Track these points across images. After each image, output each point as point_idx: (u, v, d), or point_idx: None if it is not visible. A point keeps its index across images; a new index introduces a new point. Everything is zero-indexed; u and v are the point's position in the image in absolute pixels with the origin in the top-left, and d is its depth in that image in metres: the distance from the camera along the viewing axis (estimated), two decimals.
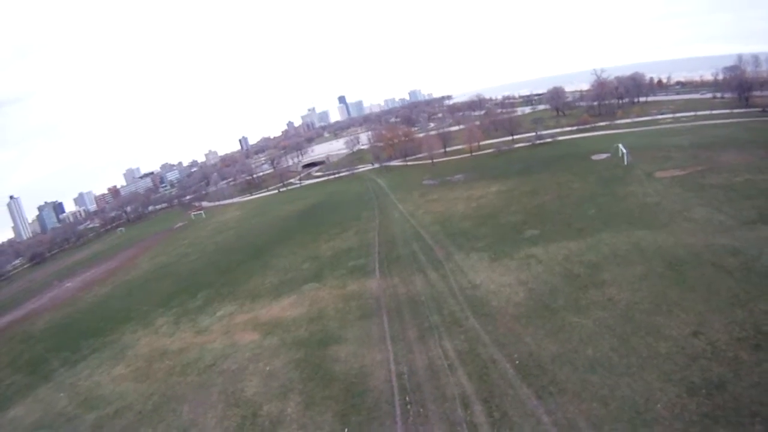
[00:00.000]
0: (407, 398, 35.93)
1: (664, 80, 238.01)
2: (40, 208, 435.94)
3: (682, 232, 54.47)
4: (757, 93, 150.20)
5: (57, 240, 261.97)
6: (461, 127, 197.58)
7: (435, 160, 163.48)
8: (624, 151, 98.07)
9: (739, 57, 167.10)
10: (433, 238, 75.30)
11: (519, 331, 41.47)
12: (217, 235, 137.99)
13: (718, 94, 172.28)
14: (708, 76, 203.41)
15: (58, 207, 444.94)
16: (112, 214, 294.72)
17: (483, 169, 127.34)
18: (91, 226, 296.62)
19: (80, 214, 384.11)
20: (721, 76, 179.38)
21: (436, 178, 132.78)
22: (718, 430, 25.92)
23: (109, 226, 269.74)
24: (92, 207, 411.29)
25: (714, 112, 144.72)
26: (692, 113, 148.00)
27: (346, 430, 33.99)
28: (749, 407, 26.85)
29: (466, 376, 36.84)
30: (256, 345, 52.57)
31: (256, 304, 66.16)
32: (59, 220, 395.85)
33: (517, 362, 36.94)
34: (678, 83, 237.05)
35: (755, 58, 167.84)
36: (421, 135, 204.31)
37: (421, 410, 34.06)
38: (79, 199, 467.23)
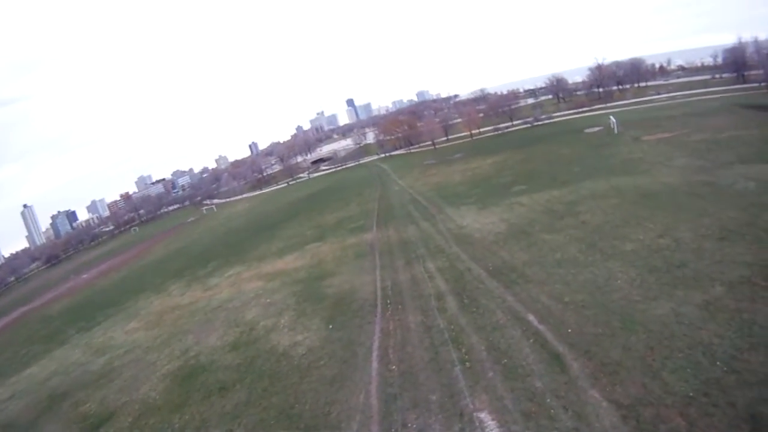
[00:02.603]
0: (388, 300, 39.59)
1: (665, 66, 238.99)
2: (53, 217, 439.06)
3: (661, 175, 57.24)
4: (754, 72, 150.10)
5: (72, 242, 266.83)
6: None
7: (437, 146, 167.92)
8: (614, 121, 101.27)
9: (739, 39, 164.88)
10: (428, 200, 78.94)
11: (496, 250, 44.85)
12: (228, 223, 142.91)
13: (717, 75, 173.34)
14: (709, 60, 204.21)
15: (71, 215, 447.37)
16: (126, 217, 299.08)
17: (481, 148, 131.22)
18: (105, 229, 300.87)
19: (93, 221, 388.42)
20: (720, 59, 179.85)
21: (436, 158, 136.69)
22: (676, 292, 28.62)
23: (123, 228, 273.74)
24: (105, 213, 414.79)
25: (711, 89, 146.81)
26: (689, 91, 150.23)
27: (330, 326, 37.54)
28: (709, 276, 29.45)
29: (443, 281, 40.49)
30: (259, 288, 56.20)
31: (262, 263, 69.70)
32: (73, 228, 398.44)
33: (490, 268, 40.36)
34: (679, 67, 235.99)
35: (755, 40, 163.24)
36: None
37: (400, 306, 37.67)
38: (92, 207, 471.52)
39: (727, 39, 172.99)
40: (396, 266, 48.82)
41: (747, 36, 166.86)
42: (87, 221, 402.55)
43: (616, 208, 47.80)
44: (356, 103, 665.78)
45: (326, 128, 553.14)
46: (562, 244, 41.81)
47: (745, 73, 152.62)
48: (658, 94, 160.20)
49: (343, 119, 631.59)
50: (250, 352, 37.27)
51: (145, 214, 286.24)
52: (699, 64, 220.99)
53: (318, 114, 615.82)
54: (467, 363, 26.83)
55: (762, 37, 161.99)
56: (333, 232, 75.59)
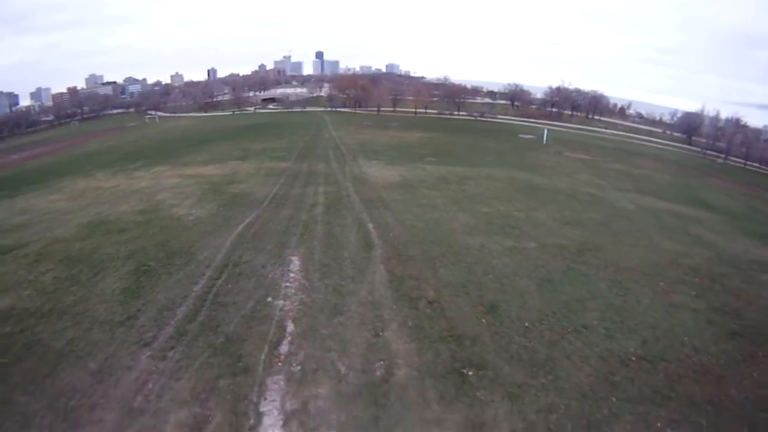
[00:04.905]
0: (274, 202, 48.30)
1: (625, 108, 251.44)
2: None
3: (557, 180, 67.47)
4: (702, 139, 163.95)
5: (8, 124, 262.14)
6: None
7: (381, 113, 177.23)
8: (547, 133, 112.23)
9: (702, 108, 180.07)
10: (348, 150, 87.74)
11: (378, 191, 53.78)
12: (165, 133, 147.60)
13: (668, 131, 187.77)
14: (667, 117, 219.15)
15: (13, 98, 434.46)
16: (68, 110, 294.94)
17: (418, 124, 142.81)
18: (45, 118, 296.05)
19: (35, 108, 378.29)
20: (677, 119, 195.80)
21: (374, 123, 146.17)
22: (494, 237, 37.53)
23: (63, 120, 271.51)
24: (48, 103, 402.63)
25: (655, 139, 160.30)
26: (634, 135, 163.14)
27: (220, 208, 45.90)
28: (531, 237, 38.02)
29: (324, 198, 49.52)
30: (176, 183, 62.82)
31: (186, 168, 76.21)
32: (11, 111, 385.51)
33: (366, 199, 49.41)
34: (638, 114, 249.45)
35: (716, 114, 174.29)
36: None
37: (280, 205, 46.57)
38: (36, 95, 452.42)
39: (693, 107, 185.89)
40: (294, 185, 57.41)
41: (710, 108, 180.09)
42: (28, 107, 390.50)
43: (499, 189, 57.73)
44: (325, 57, 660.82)
45: (289, 73, 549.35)
46: (434, 197, 51.41)
47: (693, 137, 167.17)
48: (605, 129, 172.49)
49: (308, 70, 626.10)
50: (152, 215, 44.99)
51: (88, 111, 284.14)
52: (657, 118, 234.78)
53: (285, 57, 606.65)
54: (304, 236, 36.25)
55: (724, 114, 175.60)
56: (256, 156, 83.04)
